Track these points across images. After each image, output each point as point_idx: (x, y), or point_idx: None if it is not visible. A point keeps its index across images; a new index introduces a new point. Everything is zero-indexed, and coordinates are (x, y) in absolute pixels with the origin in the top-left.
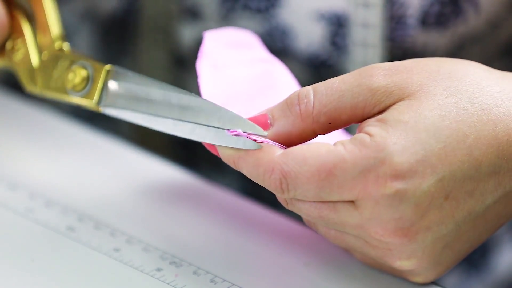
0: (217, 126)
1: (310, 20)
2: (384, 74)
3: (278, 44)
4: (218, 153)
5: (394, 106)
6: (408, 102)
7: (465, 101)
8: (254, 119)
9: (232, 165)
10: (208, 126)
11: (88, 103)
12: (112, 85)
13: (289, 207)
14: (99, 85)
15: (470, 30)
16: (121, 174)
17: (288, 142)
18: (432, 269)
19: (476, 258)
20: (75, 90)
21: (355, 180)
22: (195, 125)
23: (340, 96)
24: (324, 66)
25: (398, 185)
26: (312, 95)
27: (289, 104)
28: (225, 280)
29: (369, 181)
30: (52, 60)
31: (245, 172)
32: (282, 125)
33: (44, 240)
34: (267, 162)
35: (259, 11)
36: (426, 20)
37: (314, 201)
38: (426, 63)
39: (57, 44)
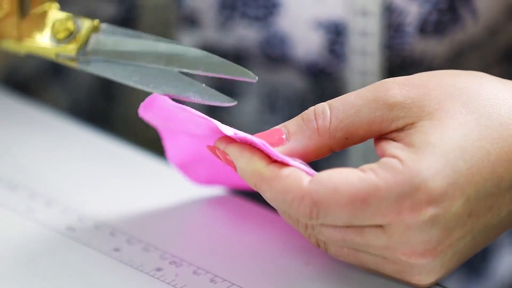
0: (204, 72)
1: (308, 28)
2: (400, 89)
3: (276, 52)
4: (234, 166)
5: (417, 128)
6: (431, 123)
7: (484, 118)
8: (269, 134)
9: (251, 184)
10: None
11: (66, 50)
12: (96, 37)
13: (308, 231)
14: (83, 35)
15: (469, 37)
16: (121, 173)
17: (303, 158)
18: (441, 277)
19: (476, 262)
20: (56, 37)
21: (389, 207)
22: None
23: (357, 111)
24: (322, 74)
25: (432, 210)
26: (329, 110)
27: (305, 119)
28: (225, 280)
29: (404, 208)
30: (38, 16)
31: (267, 195)
32: (298, 140)
33: (44, 240)
34: (296, 189)
35: (257, 19)
36: (425, 28)
37: (340, 226)
38: (441, 77)
39: (46, 5)
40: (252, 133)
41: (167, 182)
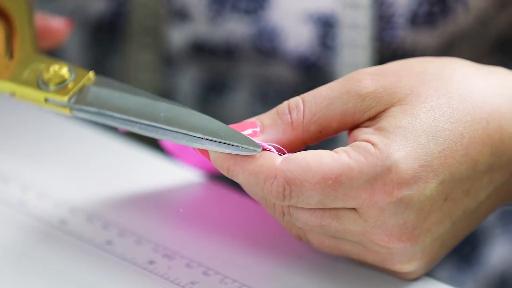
0: (205, 136)
1: (298, 21)
2: (372, 79)
3: (267, 46)
4: (209, 157)
5: (388, 113)
6: (401, 107)
7: (456, 100)
8: (243, 125)
9: (225, 172)
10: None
11: (59, 98)
12: (92, 89)
13: (286, 218)
14: (78, 85)
15: (459, 29)
16: (113, 167)
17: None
18: (426, 267)
19: (467, 253)
20: (49, 82)
21: (361, 188)
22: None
23: (329, 104)
24: (313, 67)
25: (404, 192)
26: (302, 104)
27: (280, 113)
28: (217, 273)
29: (376, 189)
30: (29, 58)
31: (240, 179)
32: (272, 133)
33: (36, 233)
34: (269, 168)
35: (247, 12)
36: (415, 20)
37: (315, 209)
38: (412, 64)
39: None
40: None
41: (160, 175)
